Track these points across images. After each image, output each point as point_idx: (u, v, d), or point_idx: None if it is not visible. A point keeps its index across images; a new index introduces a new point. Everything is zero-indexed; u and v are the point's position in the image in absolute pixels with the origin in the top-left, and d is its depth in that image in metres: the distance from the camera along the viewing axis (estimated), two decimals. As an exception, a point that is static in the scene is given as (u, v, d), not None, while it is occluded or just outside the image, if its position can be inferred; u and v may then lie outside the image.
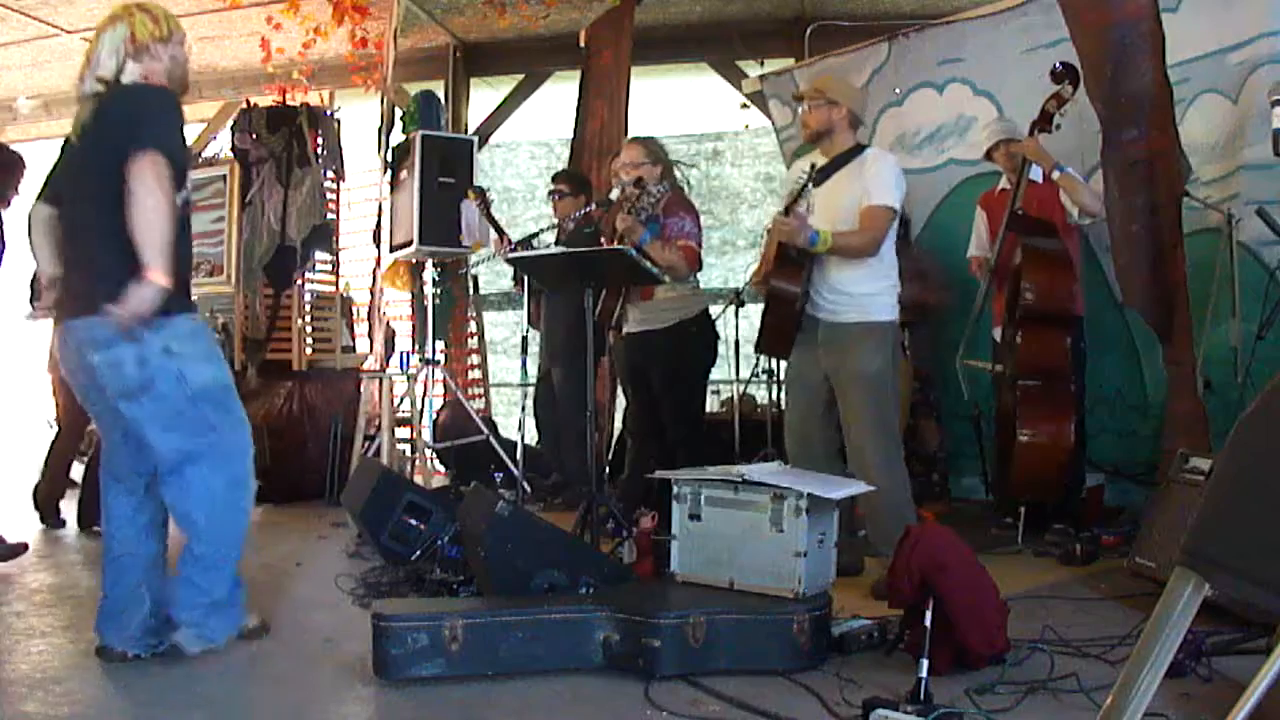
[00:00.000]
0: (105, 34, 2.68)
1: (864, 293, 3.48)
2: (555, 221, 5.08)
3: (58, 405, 4.84)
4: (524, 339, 5.00)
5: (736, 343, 5.62)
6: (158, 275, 2.47)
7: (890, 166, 3.51)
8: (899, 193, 3.48)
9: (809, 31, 6.35)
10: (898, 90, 5.46)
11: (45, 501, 4.78)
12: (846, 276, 3.49)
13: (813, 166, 3.54)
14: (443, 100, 6.73)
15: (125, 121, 2.56)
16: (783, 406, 5.54)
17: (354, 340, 6.30)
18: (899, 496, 3.42)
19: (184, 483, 2.67)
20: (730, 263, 7.05)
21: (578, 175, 5.64)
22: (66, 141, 2.76)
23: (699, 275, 4.39)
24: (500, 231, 5.07)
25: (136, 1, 2.71)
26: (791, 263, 3.53)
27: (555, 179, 5.48)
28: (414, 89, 6.89)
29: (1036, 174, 4.24)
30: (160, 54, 2.69)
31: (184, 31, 2.78)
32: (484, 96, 7.69)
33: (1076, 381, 4.17)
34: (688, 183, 4.46)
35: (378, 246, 6.28)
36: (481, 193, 5.18)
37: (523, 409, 4.90)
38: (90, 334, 2.57)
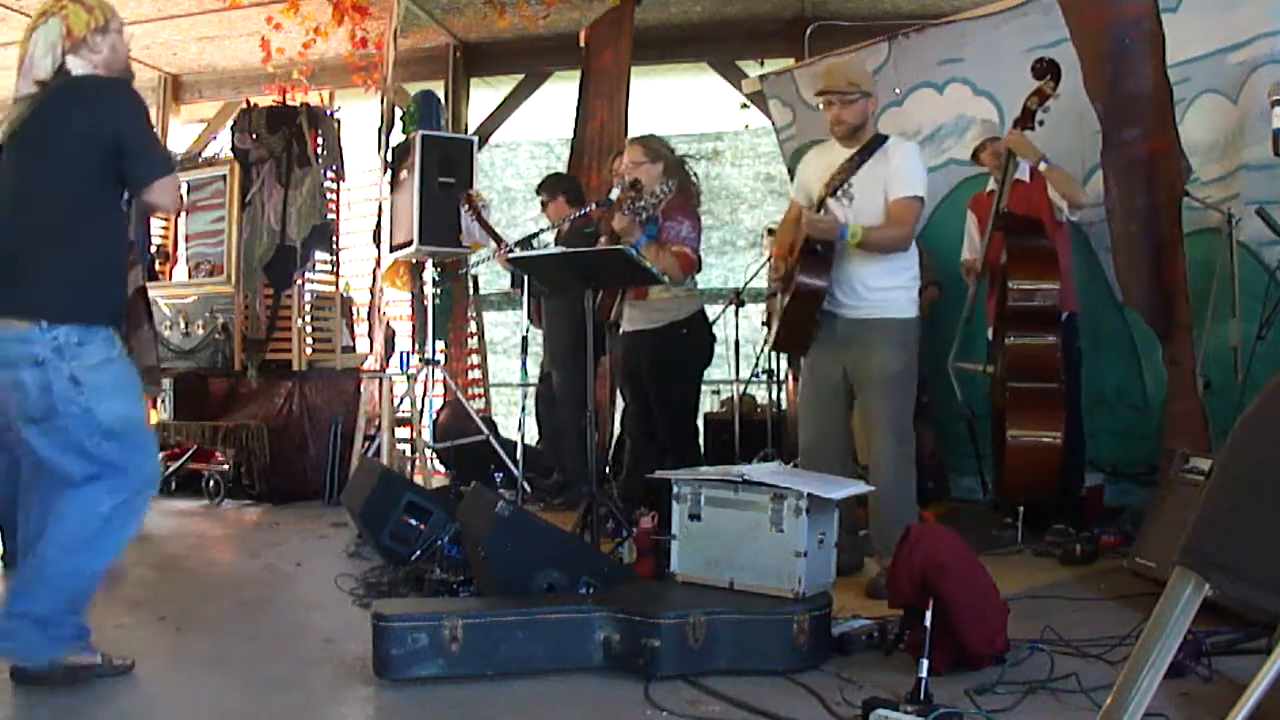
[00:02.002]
0: (38, 31, 2.51)
1: (884, 287, 3.44)
2: (553, 223, 5.08)
3: None
4: (524, 339, 5.00)
5: (736, 343, 5.62)
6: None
7: (913, 154, 3.48)
8: (924, 181, 3.45)
9: (809, 31, 6.35)
10: (898, 90, 5.46)
11: None
12: (868, 272, 3.44)
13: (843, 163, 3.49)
14: (443, 100, 6.73)
15: (92, 119, 2.45)
16: (783, 407, 5.58)
17: (354, 340, 6.30)
18: (903, 499, 3.40)
19: (71, 503, 2.47)
20: (730, 263, 7.06)
21: (554, 179, 5.59)
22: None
23: (697, 276, 4.38)
24: (496, 237, 5.06)
25: None
26: (817, 258, 3.49)
27: (536, 191, 5.47)
28: (414, 89, 6.89)
29: (1023, 172, 4.25)
30: (99, 45, 2.54)
31: (121, 18, 2.62)
32: (484, 96, 7.69)
33: (1070, 381, 4.15)
34: (694, 176, 4.40)
35: (378, 246, 6.28)
36: (471, 199, 5.17)
37: (523, 409, 4.90)
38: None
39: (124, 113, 2.49)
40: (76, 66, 2.52)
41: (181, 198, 2.56)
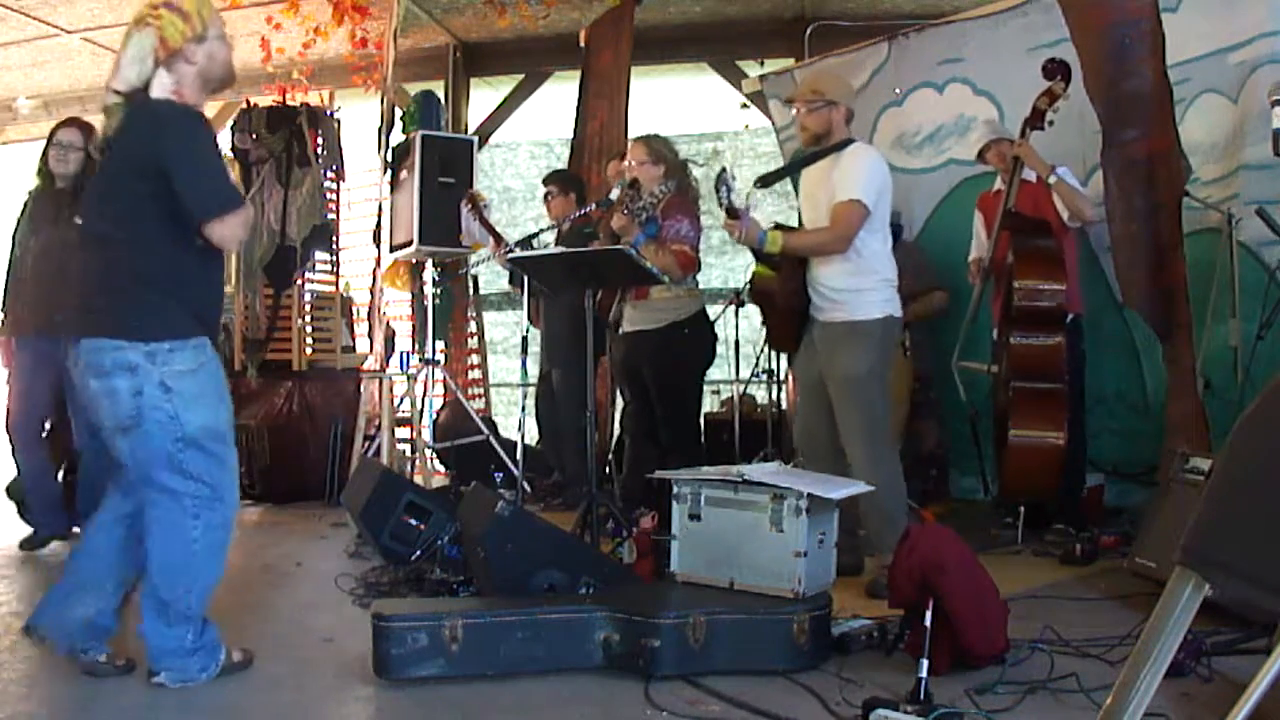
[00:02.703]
0: (131, 39, 2.44)
1: (844, 289, 3.44)
2: (553, 222, 5.08)
3: None
4: (524, 339, 4.99)
5: (736, 343, 5.62)
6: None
7: (865, 161, 3.43)
8: (871, 187, 3.38)
9: (809, 31, 6.34)
10: (898, 90, 5.46)
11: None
12: (825, 273, 3.47)
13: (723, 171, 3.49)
14: (443, 100, 6.73)
15: (155, 152, 2.41)
16: (783, 407, 5.59)
17: (354, 340, 6.30)
18: (889, 498, 3.39)
19: (158, 523, 2.51)
20: (730, 263, 7.05)
21: (567, 175, 5.63)
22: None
23: (698, 276, 4.38)
24: (496, 237, 5.06)
25: None
26: (767, 261, 3.55)
27: (545, 181, 5.49)
28: (414, 89, 6.89)
29: (1029, 172, 4.24)
30: (195, 55, 2.48)
31: (221, 20, 2.54)
32: (484, 96, 7.69)
33: (1074, 382, 4.15)
34: (695, 181, 4.42)
35: (378, 246, 6.28)
36: (473, 199, 5.17)
37: (523, 409, 4.90)
38: (94, 358, 2.45)
39: (174, 143, 2.43)
40: (164, 82, 2.47)
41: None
